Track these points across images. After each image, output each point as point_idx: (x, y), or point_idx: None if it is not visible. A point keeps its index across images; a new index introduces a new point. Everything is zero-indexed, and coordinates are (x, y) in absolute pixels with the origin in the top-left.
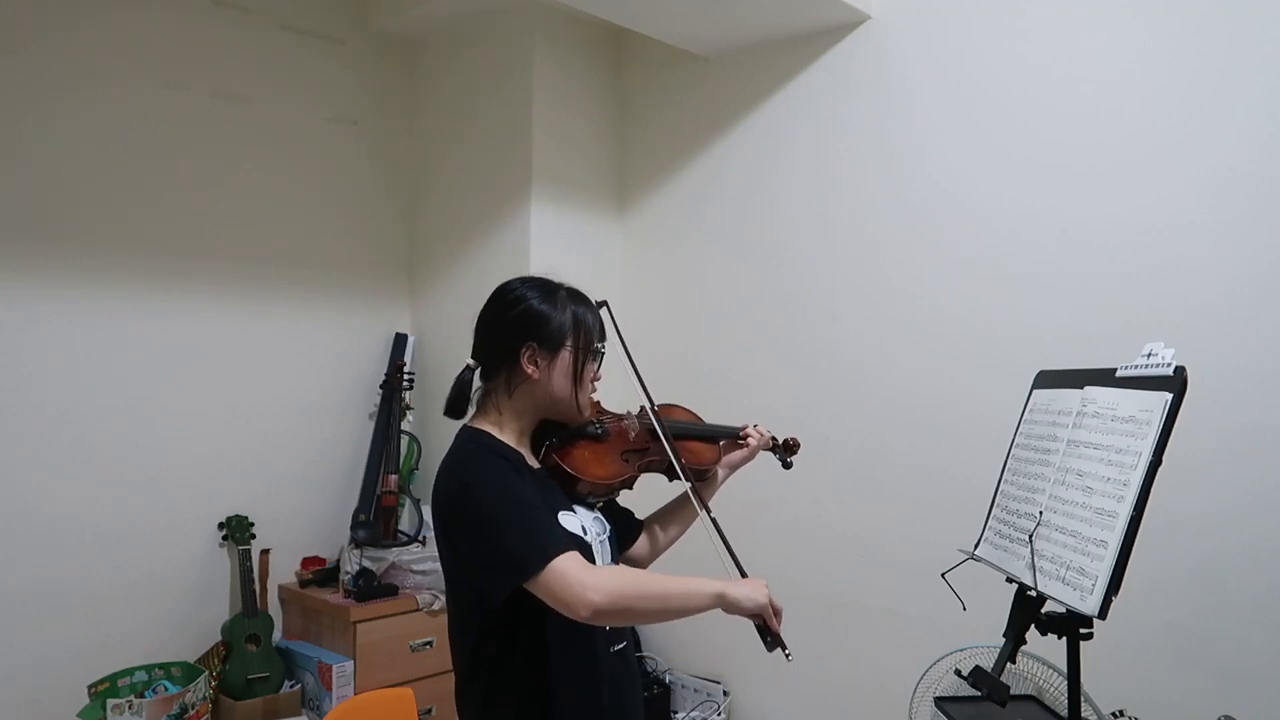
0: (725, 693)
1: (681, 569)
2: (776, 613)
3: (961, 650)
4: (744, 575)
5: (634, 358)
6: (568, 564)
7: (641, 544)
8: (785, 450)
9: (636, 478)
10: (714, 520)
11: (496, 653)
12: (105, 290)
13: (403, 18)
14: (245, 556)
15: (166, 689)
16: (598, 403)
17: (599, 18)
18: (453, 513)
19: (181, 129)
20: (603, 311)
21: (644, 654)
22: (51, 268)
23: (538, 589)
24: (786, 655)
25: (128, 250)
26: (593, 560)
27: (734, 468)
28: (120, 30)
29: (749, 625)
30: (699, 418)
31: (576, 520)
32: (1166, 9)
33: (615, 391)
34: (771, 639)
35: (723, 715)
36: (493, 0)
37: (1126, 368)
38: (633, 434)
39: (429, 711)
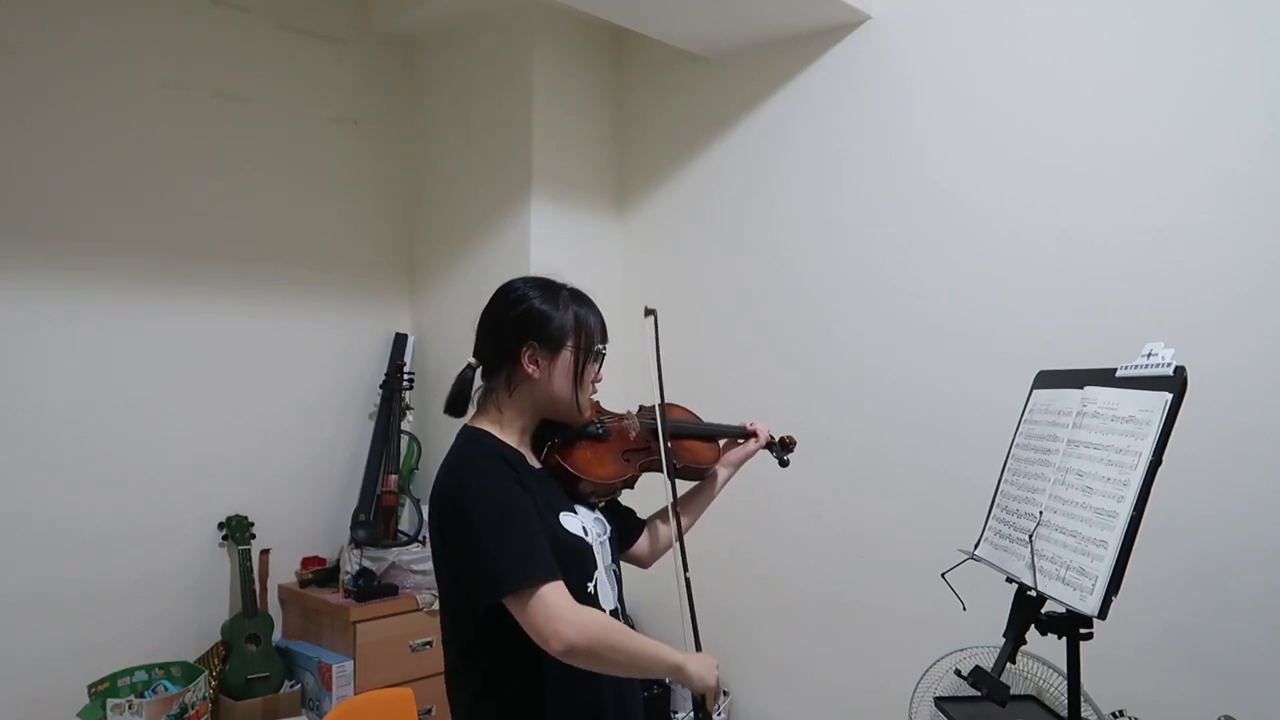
0: (725, 693)
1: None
2: (716, 695)
3: (961, 650)
4: (699, 647)
5: (661, 365)
6: (552, 595)
7: (642, 543)
8: (782, 448)
9: (638, 477)
10: (684, 567)
11: (492, 651)
12: (105, 290)
13: (403, 18)
14: (245, 556)
15: (166, 689)
16: (597, 403)
17: (599, 18)
18: (448, 514)
19: (181, 129)
20: (648, 320)
21: None
22: (51, 268)
23: (515, 611)
24: None
25: (128, 250)
26: (594, 560)
27: (736, 466)
28: (120, 30)
29: (748, 626)
30: (698, 417)
31: (578, 521)
32: (1166, 9)
33: (615, 389)
34: (703, 716)
35: (723, 715)
36: (493, 0)
37: (1126, 368)
38: (633, 434)
39: (429, 711)
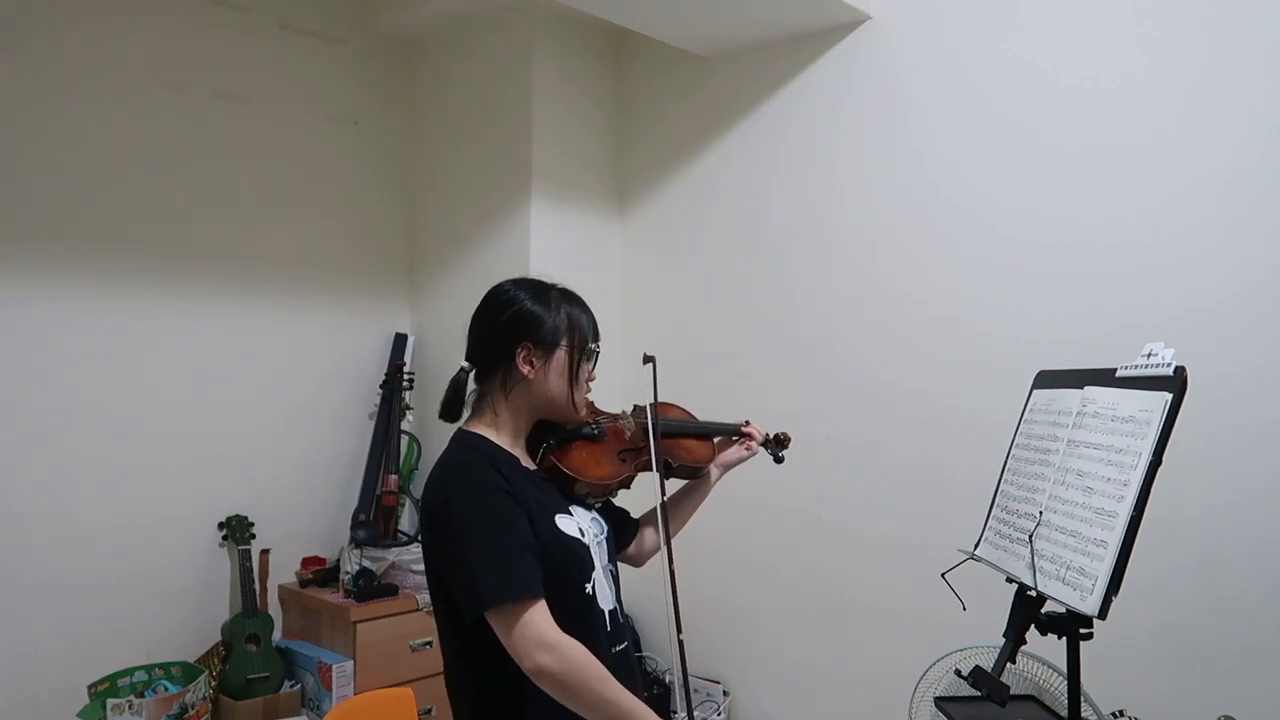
0: (725, 693)
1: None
2: None
3: (961, 650)
4: (680, 629)
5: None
6: (535, 616)
7: (637, 543)
8: (776, 445)
9: (634, 477)
10: (669, 560)
11: (487, 654)
12: (105, 291)
13: (403, 18)
14: (245, 556)
15: (166, 689)
16: (592, 403)
17: (599, 18)
18: (438, 521)
19: (182, 129)
20: (647, 368)
21: (644, 654)
22: (52, 268)
23: (495, 625)
24: None
25: (128, 251)
26: (591, 561)
27: (728, 467)
28: (120, 30)
29: (748, 625)
30: (692, 415)
31: (574, 522)
32: (1167, 9)
33: (615, 389)
34: None
35: (723, 715)
36: (493, 1)
37: (1126, 368)
38: (628, 434)
39: (429, 711)
